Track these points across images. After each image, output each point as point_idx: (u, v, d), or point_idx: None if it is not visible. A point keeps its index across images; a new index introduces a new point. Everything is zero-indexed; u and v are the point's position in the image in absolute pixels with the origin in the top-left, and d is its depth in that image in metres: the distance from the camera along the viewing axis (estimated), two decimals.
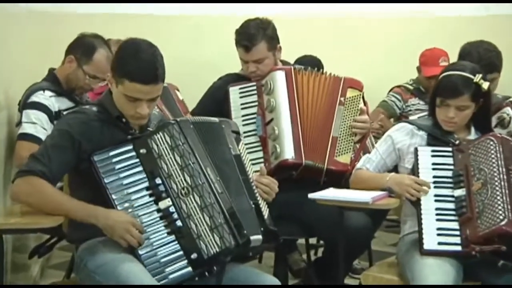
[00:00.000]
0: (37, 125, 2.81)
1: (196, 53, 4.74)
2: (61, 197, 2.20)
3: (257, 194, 2.28)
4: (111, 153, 2.17)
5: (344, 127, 2.96)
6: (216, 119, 2.34)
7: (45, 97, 2.90)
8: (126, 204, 2.14)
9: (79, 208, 2.16)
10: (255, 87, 3.04)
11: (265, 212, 2.26)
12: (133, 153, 2.18)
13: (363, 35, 4.86)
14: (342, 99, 2.98)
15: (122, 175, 2.15)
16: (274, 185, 2.34)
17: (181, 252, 2.11)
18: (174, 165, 2.17)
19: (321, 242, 3.59)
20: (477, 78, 2.50)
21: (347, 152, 2.92)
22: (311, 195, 2.58)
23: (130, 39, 2.26)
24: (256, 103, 3.02)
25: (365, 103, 3.02)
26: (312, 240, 3.70)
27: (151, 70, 2.16)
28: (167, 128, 2.20)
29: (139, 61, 2.16)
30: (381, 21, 4.86)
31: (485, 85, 2.50)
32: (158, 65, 2.18)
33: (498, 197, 2.35)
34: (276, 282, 2.21)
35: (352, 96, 3.00)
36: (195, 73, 4.30)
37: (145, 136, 2.21)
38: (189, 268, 2.10)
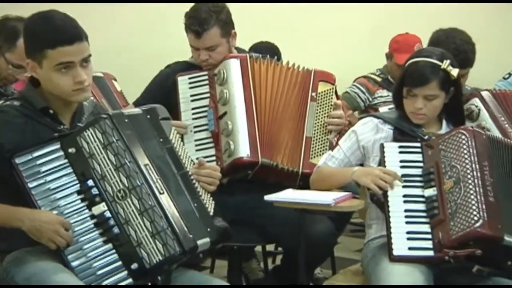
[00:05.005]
0: None
1: (139, 42, 4.64)
2: None
3: (198, 189, 2.25)
4: (35, 154, 2.10)
5: (318, 126, 2.95)
6: (139, 110, 2.28)
7: None
8: (55, 212, 2.09)
9: None
10: (206, 77, 2.99)
11: (210, 207, 2.24)
12: (61, 153, 2.12)
13: (323, 20, 4.82)
14: (313, 94, 2.97)
15: (48, 178, 2.09)
16: (215, 173, 2.32)
17: (119, 263, 2.07)
18: (108, 165, 2.11)
19: (280, 249, 3.59)
20: (445, 64, 2.49)
21: (323, 153, 2.89)
22: (267, 197, 2.54)
23: (31, 15, 2.21)
24: (208, 95, 2.97)
25: (337, 97, 3.01)
26: (270, 247, 3.69)
27: (70, 28, 2.14)
28: (98, 123, 2.14)
29: (54, 25, 2.13)
30: (343, 6, 4.82)
31: (454, 72, 2.50)
32: (75, 23, 2.16)
33: (472, 196, 2.33)
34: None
35: (325, 91, 2.99)
36: (138, 64, 4.22)
37: (73, 134, 2.15)
38: (130, 280, 2.05)
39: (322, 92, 2.98)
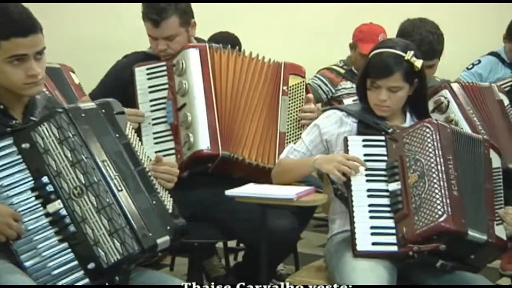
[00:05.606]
0: None
1: (98, 31, 4.55)
2: None
3: (156, 186, 2.23)
4: None
5: (291, 120, 2.93)
6: (93, 104, 2.24)
7: None
8: None
9: None
10: (165, 68, 2.95)
11: (169, 205, 2.22)
12: (14, 149, 2.08)
13: (285, 10, 4.80)
14: (285, 88, 2.95)
15: (1, 175, 2.05)
16: (173, 169, 2.30)
17: (75, 262, 2.04)
18: (63, 161, 2.08)
19: (242, 245, 3.56)
20: (409, 55, 2.49)
21: None
22: (228, 192, 2.52)
23: None
24: (167, 86, 2.93)
25: (307, 91, 3.00)
26: (232, 243, 3.67)
27: (25, 19, 2.10)
28: (54, 118, 2.10)
29: (9, 15, 2.09)
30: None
31: (418, 63, 2.50)
32: (30, 14, 2.13)
33: (436, 191, 2.34)
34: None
35: (296, 84, 2.97)
36: (97, 54, 4.13)
37: (27, 128, 2.11)
38: (86, 280, 2.03)
39: (293, 85, 2.97)
